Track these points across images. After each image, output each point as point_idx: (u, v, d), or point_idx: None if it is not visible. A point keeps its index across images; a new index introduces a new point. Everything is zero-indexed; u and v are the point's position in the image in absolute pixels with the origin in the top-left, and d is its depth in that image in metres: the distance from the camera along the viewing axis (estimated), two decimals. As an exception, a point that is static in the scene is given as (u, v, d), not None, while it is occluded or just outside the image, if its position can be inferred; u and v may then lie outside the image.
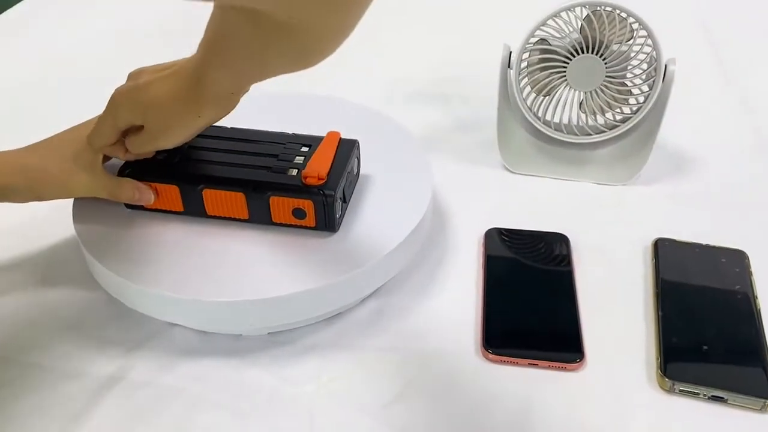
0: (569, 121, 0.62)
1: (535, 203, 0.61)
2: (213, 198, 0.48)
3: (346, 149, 0.50)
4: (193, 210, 0.49)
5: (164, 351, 0.47)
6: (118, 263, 0.46)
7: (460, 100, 0.75)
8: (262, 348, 0.47)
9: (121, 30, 0.91)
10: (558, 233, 0.55)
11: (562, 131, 0.62)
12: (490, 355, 0.46)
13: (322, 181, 0.47)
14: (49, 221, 0.56)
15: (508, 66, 0.60)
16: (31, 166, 0.48)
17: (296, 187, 0.47)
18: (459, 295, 0.52)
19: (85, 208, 0.51)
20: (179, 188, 0.48)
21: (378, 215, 0.51)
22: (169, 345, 0.48)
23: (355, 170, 0.52)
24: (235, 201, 0.47)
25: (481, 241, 0.56)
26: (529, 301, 0.50)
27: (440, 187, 0.62)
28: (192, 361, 0.47)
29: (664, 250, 0.53)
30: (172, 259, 0.47)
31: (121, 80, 0.47)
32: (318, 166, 0.47)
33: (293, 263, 0.47)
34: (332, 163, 0.48)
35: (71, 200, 0.51)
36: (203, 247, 0.48)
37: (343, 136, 0.52)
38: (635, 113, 0.60)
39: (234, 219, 0.49)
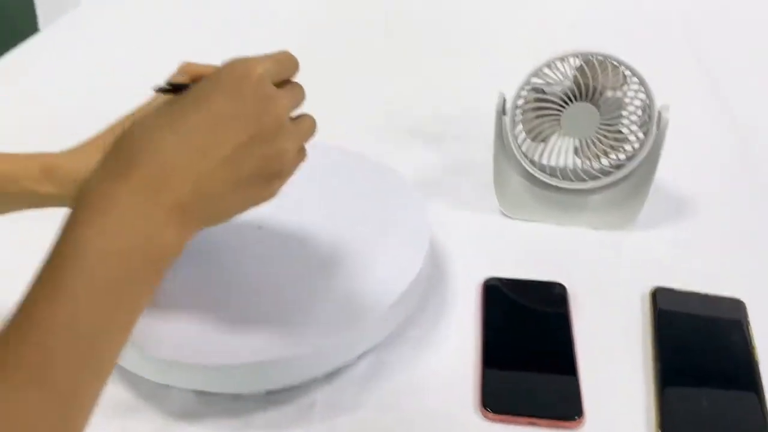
0: (564, 167, 0.62)
1: (533, 249, 0.61)
2: None
3: None
4: None
5: (160, 413, 0.47)
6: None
7: (454, 140, 0.75)
8: (260, 408, 0.47)
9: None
10: (556, 282, 0.55)
11: (557, 177, 0.62)
12: (489, 414, 0.46)
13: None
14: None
15: (503, 112, 0.61)
16: (63, 167, 0.43)
17: None
18: (457, 349, 0.51)
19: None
20: None
21: (374, 271, 0.51)
22: (165, 406, 0.48)
23: None
24: None
25: (480, 290, 0.55)
26: (528, 356, 0.50)
27: (436, 232, 0.62)
28: (188, 424, 0.46)
29: (662, 300, 0.53)
30: (166, 319, 0.47)
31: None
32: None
33: (289, 323, 0.47)
34: None
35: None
36: (198, 306, 0.48)
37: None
38: (630, 160, 0.60)
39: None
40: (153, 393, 0.48)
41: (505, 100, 0.60)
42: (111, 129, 0.46)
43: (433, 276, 0.57)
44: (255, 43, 0.97)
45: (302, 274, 0.51)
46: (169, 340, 0.45)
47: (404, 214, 0.57)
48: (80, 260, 0.31)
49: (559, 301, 0.54)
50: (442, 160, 0.73)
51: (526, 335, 0.52)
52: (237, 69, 0.37)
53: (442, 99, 0.84)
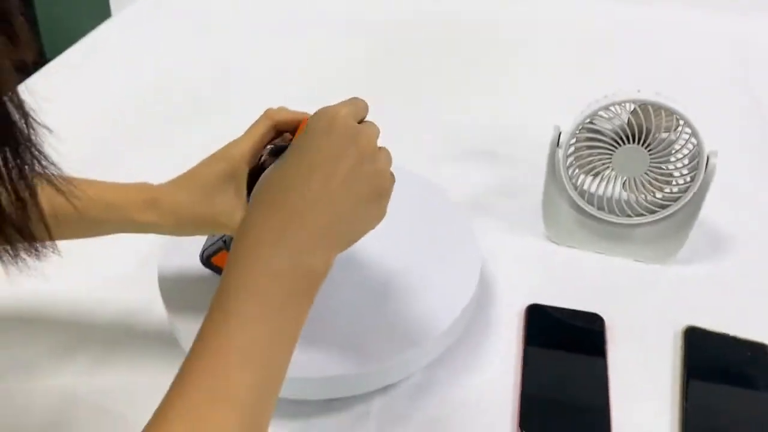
0: (612, 200, 0.65)
1: (575, 277, 0.65)
2: None
3: None
4: None
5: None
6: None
7: (505, 163, 0.79)
8: (320, 413, 0.53)
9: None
10: (594, 314, 0.59)
11: (604, 210, 0.66)
12: (526, 436, 0.51)
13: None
14: (136, 280, 0.62)
15: (557, 145, 0.64)
16: (163, 200, 0.49)
17: None
18: (499, 371, 0.56)
19: (170, 272, 0.57)
20: None
21: (428, 296, 0.56)
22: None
23: None
24: None
25: (522, 315, 0.60)
26: (564, 384, 0.54)
27: (484, 254, 0.66)
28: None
29: (693, 339, 0.57)
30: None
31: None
32: None
33: (351, 342, 0.52)
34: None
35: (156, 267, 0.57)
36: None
37: None
38: (676, 201, 0.63)
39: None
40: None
41: (560, 134, 0.64)
42: (204, 164, 0.50)
43: (479, 297, 0.62)
44: (316, 55, 1.00)
45: (361, 295, 0.56)
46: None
47: (458, 239, 0.61)
48: (248, 285, 0.37)
49: (597, 332, 0.58)
50: (492, 181, 0.76)
51: (563, 362, 0.56)
52: (325, 115, 0.43)
53: (495, 123, 0.86)
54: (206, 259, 0.54)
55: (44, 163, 0.32)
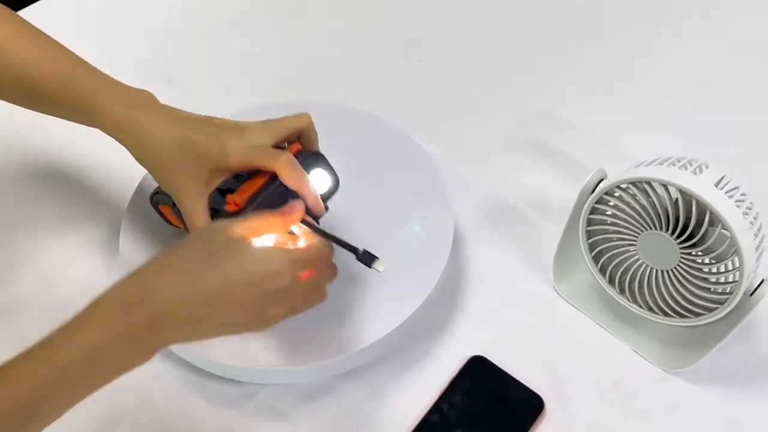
0: (633, 286, 0.54)
1: (560, 346, 0.56)
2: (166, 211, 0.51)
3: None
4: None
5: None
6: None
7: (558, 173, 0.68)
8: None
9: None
10: (536, 395, 0.52)
11: (624, 293, 0.55)
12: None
13: (237, 208, 0.45)
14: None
15: (591, 192, 0.53)
16: (145, 128, 0.45)
17: (217, 212, 0.46)
18: (415, 400, 0.52)
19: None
20: None
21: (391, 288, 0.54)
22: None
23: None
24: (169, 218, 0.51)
25: (463, 362, 0.54)
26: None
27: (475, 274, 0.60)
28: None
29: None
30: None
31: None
32: (244, 192, 0.46)
33: (328, 328, 0.52)
34: (262, 188, 0.46)
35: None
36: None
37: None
38: (709, 313, 0.50)
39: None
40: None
41: (601, 180, 0.53)
42: (206, 131, 0.47)
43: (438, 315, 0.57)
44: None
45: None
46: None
47: (433, 228, 0.58)
48: (52, 365, 0.36)
49: (527, 414, 0.51)
50: (525, 191, 0.67)
51: (474, 426, 0.51)
52: (270, 265, 0.40)
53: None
54: (154, 202, 0.52)
55: None
